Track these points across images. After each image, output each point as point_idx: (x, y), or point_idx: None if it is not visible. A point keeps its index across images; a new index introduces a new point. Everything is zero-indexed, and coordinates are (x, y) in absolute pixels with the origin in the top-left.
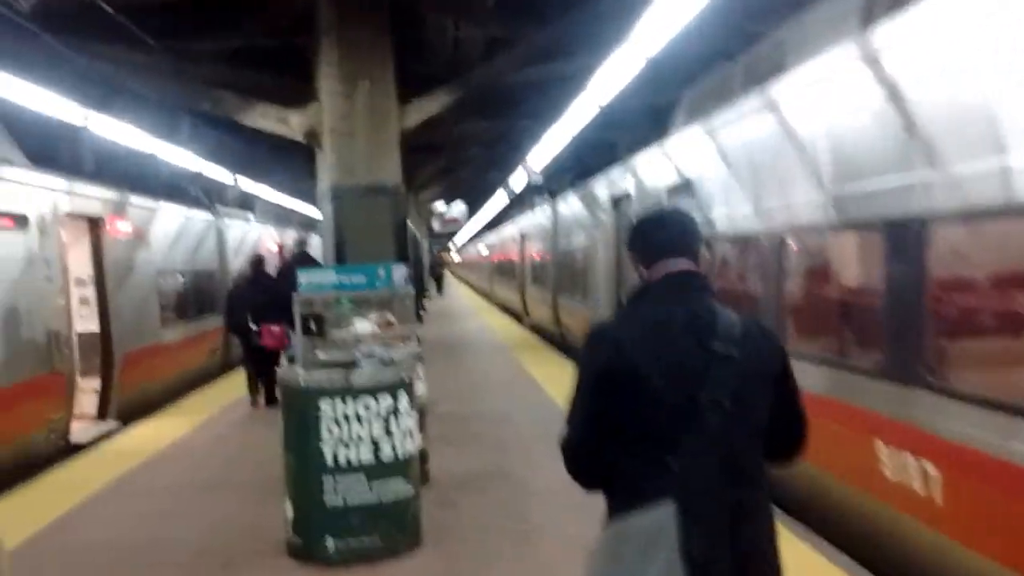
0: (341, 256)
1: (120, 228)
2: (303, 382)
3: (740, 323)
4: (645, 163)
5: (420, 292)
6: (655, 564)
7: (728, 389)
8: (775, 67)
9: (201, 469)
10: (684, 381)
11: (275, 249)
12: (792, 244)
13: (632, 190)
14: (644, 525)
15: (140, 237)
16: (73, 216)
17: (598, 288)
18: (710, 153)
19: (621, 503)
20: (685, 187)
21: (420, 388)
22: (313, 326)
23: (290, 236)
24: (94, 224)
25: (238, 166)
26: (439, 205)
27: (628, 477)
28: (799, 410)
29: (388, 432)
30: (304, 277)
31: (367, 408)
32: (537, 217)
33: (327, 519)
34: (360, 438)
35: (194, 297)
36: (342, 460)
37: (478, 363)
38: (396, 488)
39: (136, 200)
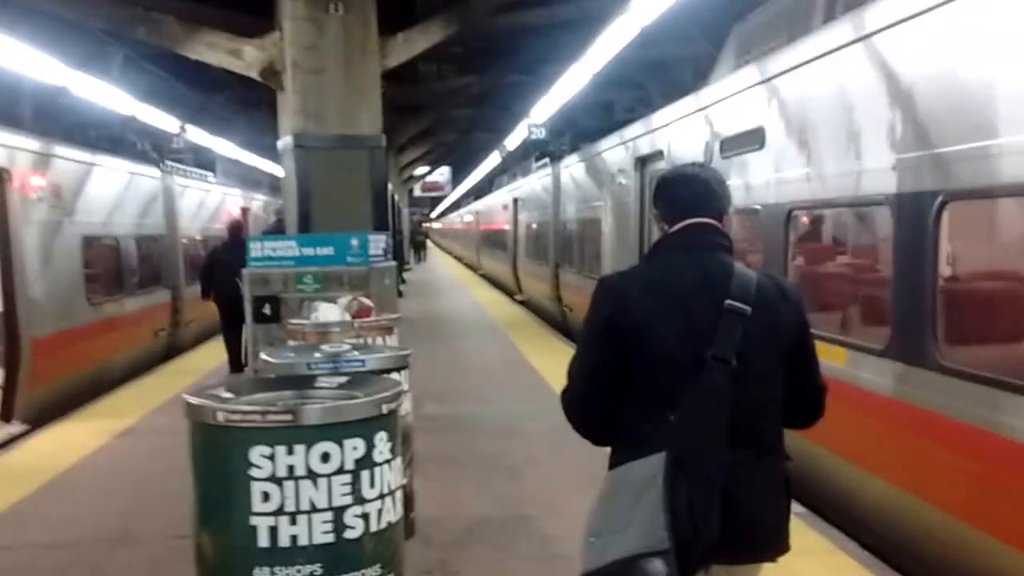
0: (306, 223)
1: (33, 183)
2: (222, 418)
3: (756, 281)
4: (683, 114)
5: (400, 265)
6: (641, 512)
7: (735, 347)
8: None
9: (107, 505)
10: (690, 336)
11: (237, 214)
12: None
13: (665, 147)
14: (637, 473)
15: (61, 195)
16: None
17: (616, 260)
18: (798, 93)
19: (622, 454)
20: (750, 137)
21: (406, 406)
22: (268, 311)
23: (259, 200)
24: None
25: (191, 117)
26: (421, 168)
27: (629, 429)
28: (815, 375)
29: (357, 495)
30: (256, 247)
31: (326, 459)
32: (533, 182)
33: None
34: (314, 506)
35: (134, 268)
36: (284, 541)
37: (468, 347)
38: None
39: (57, 150)
